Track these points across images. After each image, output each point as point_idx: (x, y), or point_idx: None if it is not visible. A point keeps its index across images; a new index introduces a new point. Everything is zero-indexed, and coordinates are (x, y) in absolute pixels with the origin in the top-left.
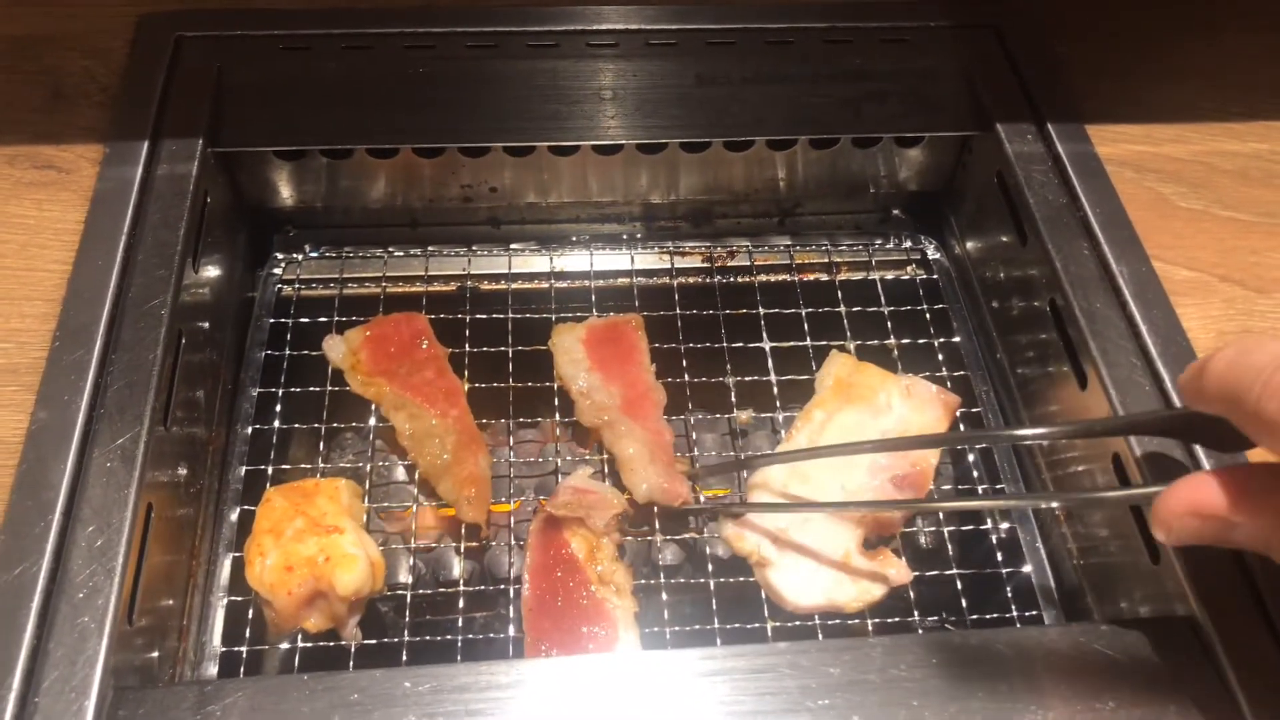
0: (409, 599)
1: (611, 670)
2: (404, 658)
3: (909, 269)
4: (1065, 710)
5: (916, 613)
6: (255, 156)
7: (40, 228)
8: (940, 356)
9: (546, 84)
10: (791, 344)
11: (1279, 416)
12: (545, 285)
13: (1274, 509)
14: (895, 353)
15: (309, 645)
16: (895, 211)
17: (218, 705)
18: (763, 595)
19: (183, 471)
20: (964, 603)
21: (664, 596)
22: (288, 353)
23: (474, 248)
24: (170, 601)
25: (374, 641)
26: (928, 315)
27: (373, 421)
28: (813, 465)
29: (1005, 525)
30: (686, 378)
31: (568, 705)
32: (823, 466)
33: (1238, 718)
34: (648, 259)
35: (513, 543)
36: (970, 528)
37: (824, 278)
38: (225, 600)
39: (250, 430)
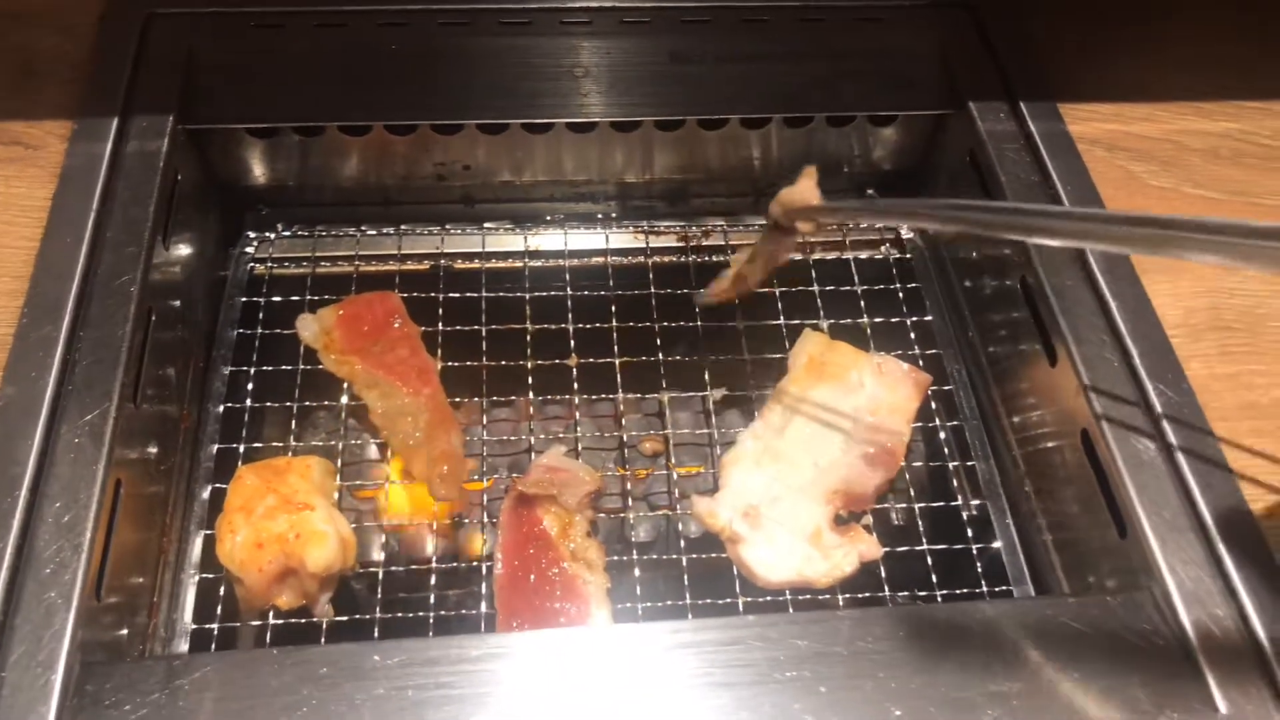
0: (381, 576)
1: (582, 643)
2: (376, 634)
3: (882, 248)
4: (1033, 681)
5: (887, 588)
6: (227, 134)
7: (7, 204)
8: (913, 335)
9: (520, 61)
10: (765, 323)
11: None
12: (519, 264)
13: None
14: (868, 330)
15: (280, 622)
16: (869, 191)
17: (186, 679)
18: (735, 571)
19: (153, 449)
20: (934, 578)
21: (636, 573)
22: (260, 331)
23: (447, 226)
24: (140, 579)
25: (346, 618)
26: (900, 294)
27: (345, 400)
28: (786, 443)
29: (976, 502)
30: (660, 356)
31: (538, 678)
32: (796, 443)
33: (1203, 688)
34: (623, 238)
35: (485, 520)
36: (941, 504)
37: (798, 257)
38: (196, 578)
39: (222, 409)
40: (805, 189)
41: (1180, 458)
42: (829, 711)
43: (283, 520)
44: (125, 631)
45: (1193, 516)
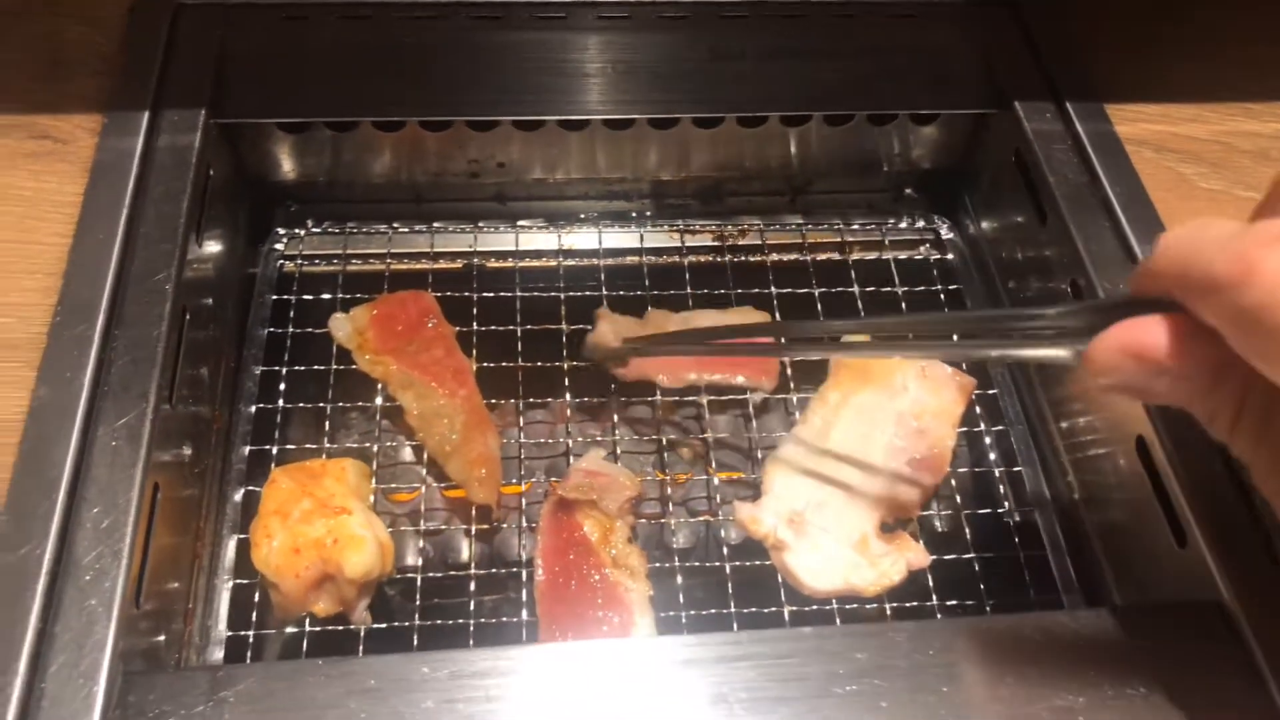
0: (418, 582)
1: (632, 655)
2: (415, 642)
3: (922, 249)
4: (1095, 695)
5: (935, 597)
6: (258, 129)
7: (38, 200)
8: (955, 336)
9: (556, 56)
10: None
11: (1228, 277)
12: (554, 263)
13: (1201, 359)
14: (910, 334)
15: (317, 629)
16: (908, 190)
17: (230, 691)
18: (779, 579)
19: (187, 451)
20: (982, 586)
21: (678, 580)
22: (291, 330)
23: (480, 224)
24: (175, 584)
25: (383, 625)
26: (942, 296)
27: (379, 401)
28: (830, 447)
29: (1022, 509)
30: None
31: (588, 691)
32: (840, 448)
33: (1268, 702)
34: (657, 237)
35: (523, 525)
36: (987, 511)
37: (836, 257)
38: (230, 583)
39: (254, 409)
40: (603, 332)
41: (1241, 467)
42: None
43: (319, 525)
44: (162, 638)
45: (1255, 526)
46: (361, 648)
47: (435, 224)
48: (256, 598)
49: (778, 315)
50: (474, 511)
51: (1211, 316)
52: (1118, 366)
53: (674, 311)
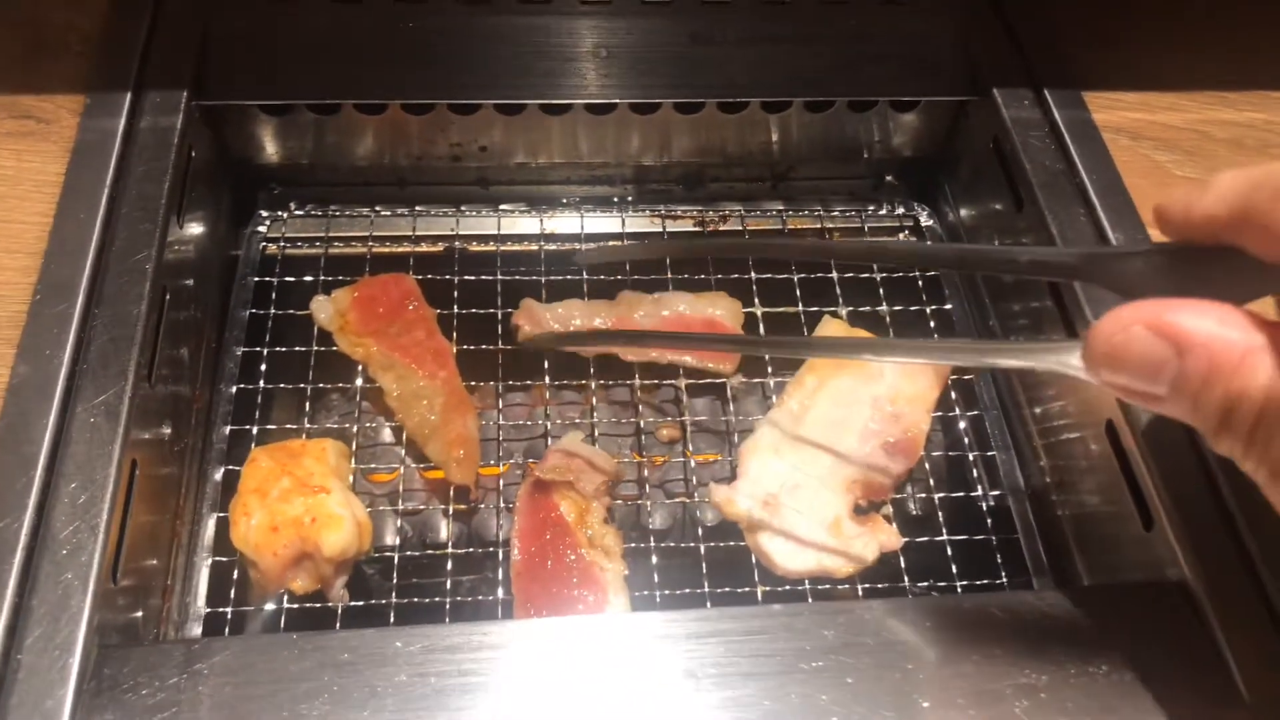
0: (396, 561)
1: (604, 630)
2: (391, 619)
3: (901, 235)
4: (1059, 674)
5: (907, 579)
6: (241, 110)
7: (19, 179)
8: (932, 324)
9: (539, 41)
10: (783, 309)
11: None
12: (535, 247)
13: (1225, 347)
14: (887, 319)
15: (295, 607)
16: (888, 178)
17: (205, 664)
18: (753, 560)
19: (166, 430)
20: (954, 569)
21: (654, 560)
22: (272, 312)
23: (462, 208)
24: (154, 561)
25: (360, 603)
26: (920, 282)
27: (359, 382)
28: (805, 431)
29: (995, 493)
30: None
31: (560, 665)
32: (815, 432)
33: (1229, 682)
34: (639, 222)
35: (501, 506)
36: (960, 494)
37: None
38: (209, 560)
39: (234, 390)
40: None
41: (1208, 451)
42: (856, 703)
43: (298, 503)
44: (140, 614)
45: (1219, 509)
46: (339, 625)
47: (417, 207)
48: (235, 575)
49: (757, 300)
50: (452, 492)
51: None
52: (1134, 341)
53: (647, 293)
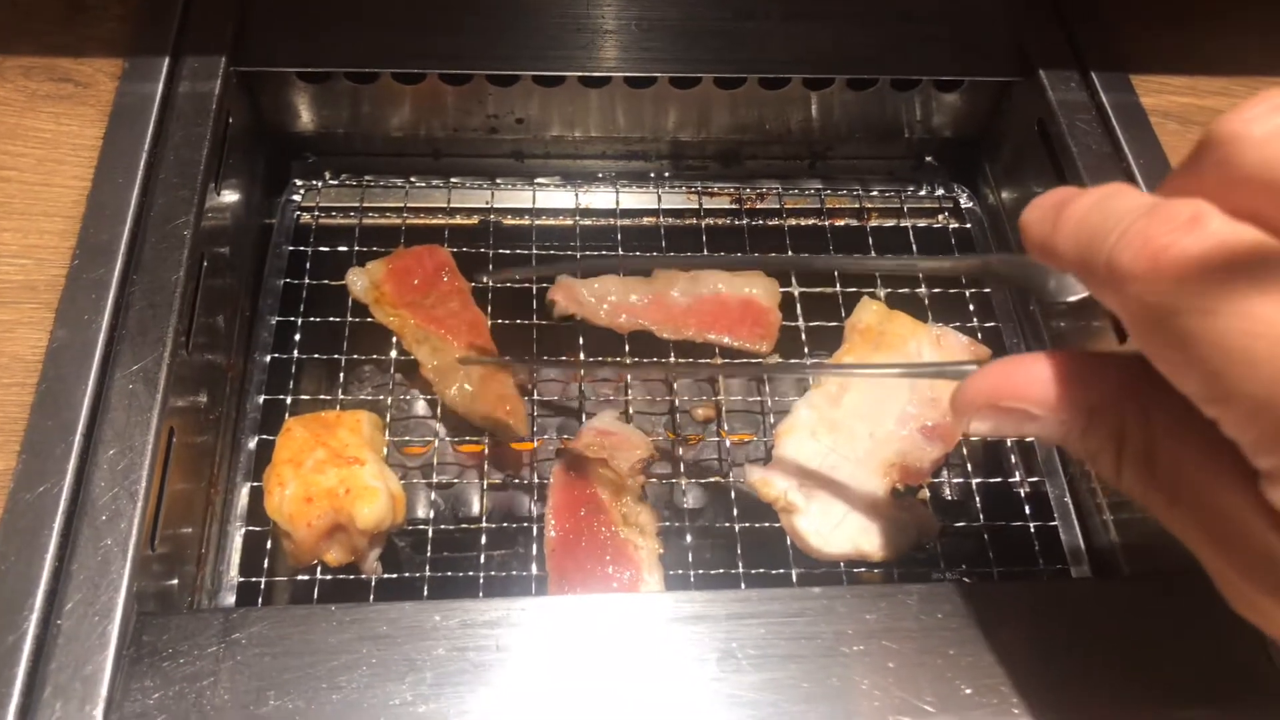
0: (429, 534)
1: (644, 609)
2: (424, 593)
3: (940, 217)
4: (1105, 662)
5: (942, 565)
6: (278, 78)
7: (58, 142)
8: (971, 307)
9: (578, 12)
10: (821, 290)
11: (1132, 268)
12: (570, 222)
13: (1075, 403)
14: (925, 301)
15: (328, 578)
16: (928, 158)
17: (243, 633)
18: (787, 541)
19: (202, 398)
20: (990, 554)
21: (688, 539)
22: (307, 281)
23: (497, 181)
24: (189, 529)
25: (393, 576)
26: None
27: (393, 354)
28: (842, 413)
29: (1033, 479)
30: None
31: (597, 643)
32: (852, 414)
33: (1273, 670)
34: (675, 199)
35: (535, 481)
36: (997, 480)
37: (854, 223)
38: (243, 530)
39: (269, 359)
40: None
41: None
42: (897, 688)
43: (332, 475)
44: (175, 582)
45: None
46: (372, 597)
47: (452, 179)
48: (268, 545)
49: (794, 281)
50: (485, 466)
51: (1113, 306)
52: (983, 418)
53: (683, 271)
